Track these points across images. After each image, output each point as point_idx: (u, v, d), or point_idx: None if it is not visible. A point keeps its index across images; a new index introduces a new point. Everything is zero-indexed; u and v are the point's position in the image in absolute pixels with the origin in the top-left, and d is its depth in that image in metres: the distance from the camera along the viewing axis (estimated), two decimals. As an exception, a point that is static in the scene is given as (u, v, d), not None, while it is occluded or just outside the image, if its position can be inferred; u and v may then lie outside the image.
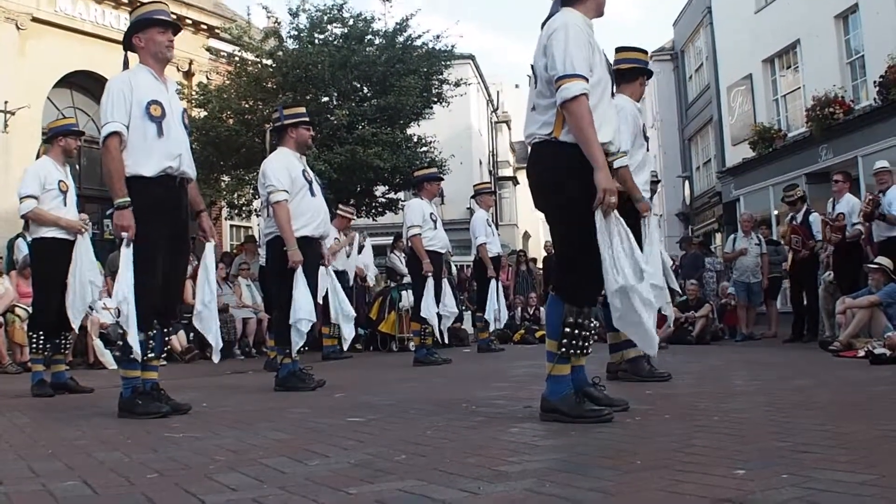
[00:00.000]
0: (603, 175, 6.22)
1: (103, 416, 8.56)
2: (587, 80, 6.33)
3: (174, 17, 9.17)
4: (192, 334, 18.95)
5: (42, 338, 11.84)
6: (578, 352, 6.63)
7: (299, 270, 10.91)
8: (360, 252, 19.50)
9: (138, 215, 8.01)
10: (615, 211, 6.36)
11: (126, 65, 8.83)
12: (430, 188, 16.16)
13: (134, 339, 7.93)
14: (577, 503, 3.89)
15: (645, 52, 7.54)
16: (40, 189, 11.43)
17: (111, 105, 8.23)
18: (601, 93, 6.70)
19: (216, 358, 9.75)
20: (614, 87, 7.40)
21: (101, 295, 17.23)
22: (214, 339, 9.37)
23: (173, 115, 8.51)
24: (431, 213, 15.73)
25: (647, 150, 8.46)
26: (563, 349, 6.55)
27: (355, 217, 21.42)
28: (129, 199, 7.99)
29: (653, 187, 11.53)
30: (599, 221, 6.30)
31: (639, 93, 7.40)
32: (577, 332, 6.49)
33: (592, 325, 6.70)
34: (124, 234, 7.97)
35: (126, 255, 7.98)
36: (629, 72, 7.27)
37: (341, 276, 15.08)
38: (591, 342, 6.75)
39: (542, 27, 6.86)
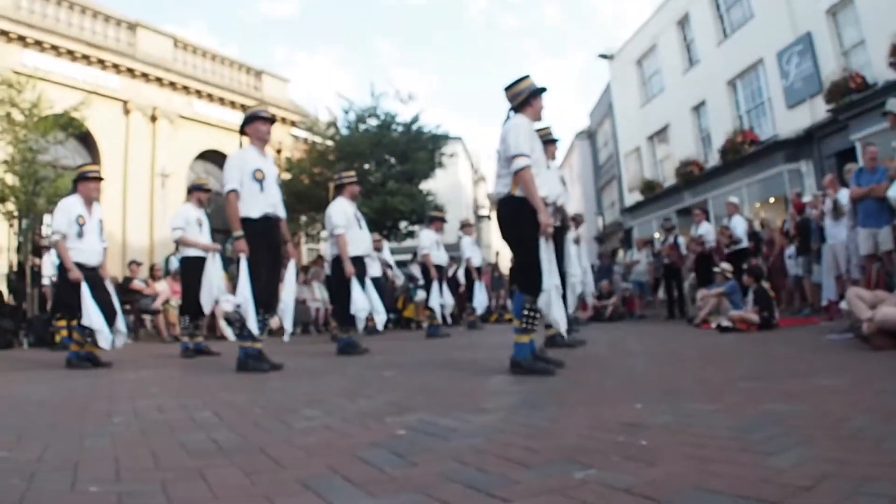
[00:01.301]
0: (543, 216, 6.65)
1: (226, 371, 8.64)
2: (529, 157, 6.78)
3: (271, 114, 9.21)
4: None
5: (187, 319, 12.04)
6: (532, 326, 6.90)
7: (354, 278, 11.08)
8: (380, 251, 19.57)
9: (249, 243, 8.29)
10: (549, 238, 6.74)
11: (240, 145, 8.99)
12: (437, 224, 16.45)
13: (253, 323, 8.30)
14: (533, 427, 3.97)
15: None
16: (184, 224, 11.67)
17: (230, 172, 8.48)
18: (539, 166, 7.04)
19: (286, 338, 9.94)
20: (544, 153, 7.63)
21: (224, 292, 17.29)
22: (288, 325, 9.59)
23: (271, 177, 8.70)
24: (437, 240, 16.11)
25: (548, 168, 8.48)
26: (524, 324, 6.87)
27: (382, 242, 21.58)
28: (242, 232, 8.29)
29: (578, 219, 11.73)
30: (542, 244, 6.69)
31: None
32: (531, 313, 6.83)
33: (538, 310, 6.84)
34: (241, 255, 8.25)
35: (243, 269, 8.26)
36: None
37: (376, 280, 15.16)
38: (537, 321, 6.95)
39: (502, 126, 7.26)
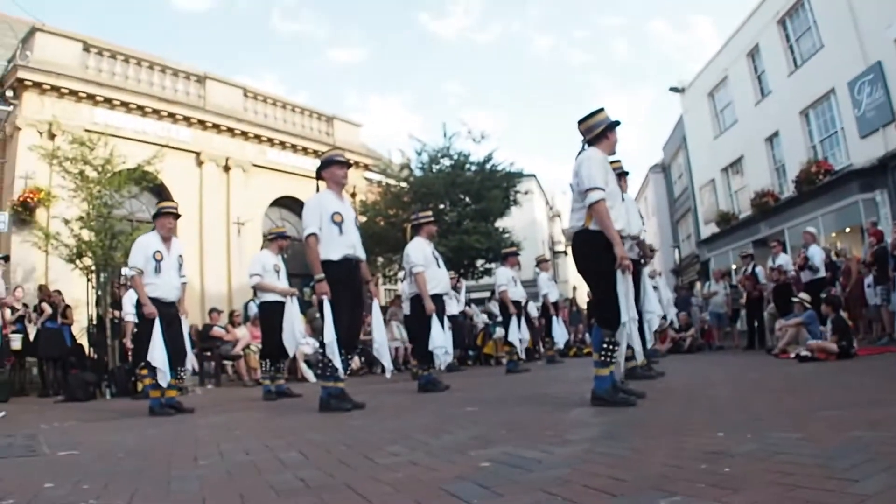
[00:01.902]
0: (619, 249, 6.65)
1: (309, 411, 8.70)
2: (603, 189, 6.79)
3: (347, 158, 9.34)
4: (363, 357, 18.96)
5: (268, 363, 12.13)
6: (611, 359, 6.88)
7: (434, 316, 11.12)
8: (458, 291, 19.57)
9: (330, 285, 8.35)
10: (627, 271, 6.79)
11: (317, 189, 9.02)
12: (512, 260, 16.51)
13: (338, 363, 8.34)
14: (617, 457, 3.99)
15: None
16: (262, 270, 11.83)
17: (309, 216, 8.58)
18: (614, 199, 7.04)
19: (388, 375, 10.24)
20: (620, 185, 7.75)
21: (304, 335, 17.36)
22: (388, 363, 9.84)
23: (349, 220, 8.78)
24: (513, 276, 16.07)
25: (623, 200, 8.49)
26: (603, 357, 6.84)
27: (460, 281, 21.63)
28: (323, 275, 8.36)
29: (651, 252, 11.71)
30: (619, 277, 6.70)
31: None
32: (609, 346, 6.81)
33: (617, 343, 6.85)
34: (324, 297, 8.31)
35: (327, 311, 8.31)
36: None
37: (454, 318, 15.25)
38: (616, 354, 6.95)
39: (575, 159, 7.28)
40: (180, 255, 10.26)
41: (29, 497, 3.82)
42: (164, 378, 9.55)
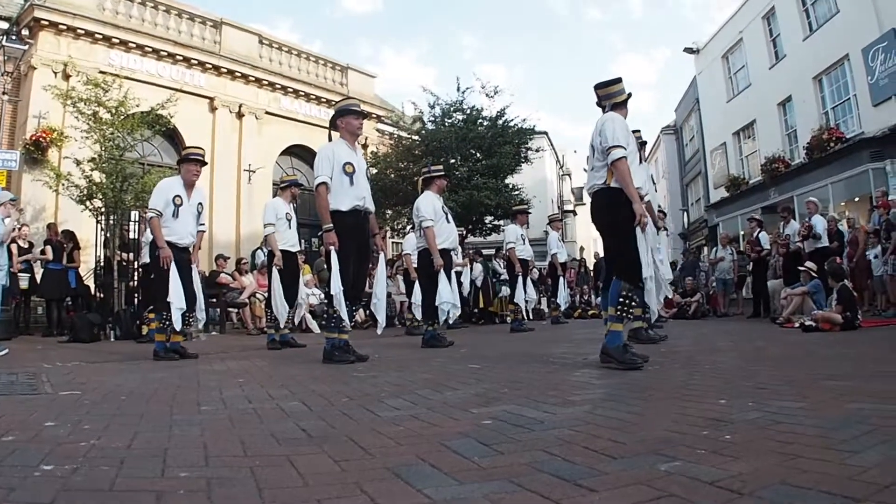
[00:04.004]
0: (638, 206, 6.77)
1: (312, 362, 8.76)
2: (625, 148, 6.86)
3: (363, 108, 9.34)
4: (368, 311, 18.99)
5: (286, 308, 12.06)
6: (628, 313, 7.00)
7: (442, 271, 11.17)
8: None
9: (338, 235, 8.36)
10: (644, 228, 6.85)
11: (330, 138, 9.08)
12: (521, 218, 16.40)
13: (344, 314, 8.43)
14: (619, 421, 3.99)
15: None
16: (275, 219, 11.78)
17: (321, 164, 8.59)
18: (632, 158, 7.14)
19: (380, 331, 9.94)
20: (640, 152, 8.14)
21: (310, 285, 17.39)
22: (382, 319, 9.83)
23: (360, 171, 8.79)
24: (522, 234, 16.01)
25: (640, 163, 8.59)
26: (619, 311, 6.92)
27: (465, 235, 21.72)
28: (332, 225, 8.37)
29: (661, 215, 11.71)
30: (639, 234, 6.78)
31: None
32: (627, 300, 6.89)
33: (634, 297, 6.97)
34: (332, 247, 8.33)
35: (334, 261, 8.35)
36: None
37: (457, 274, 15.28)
38: (633, 309, 7.15)
39: (596, 124, 7.34)
40: (200, 203, 10.30)
41: (30, 435, 3.83)
42: (178, 321, 9.60)
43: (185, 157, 10.22)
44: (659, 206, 11.55)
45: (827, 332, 11.90)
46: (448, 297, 11.26)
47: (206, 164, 10.44)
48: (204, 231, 10.54)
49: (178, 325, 9.63)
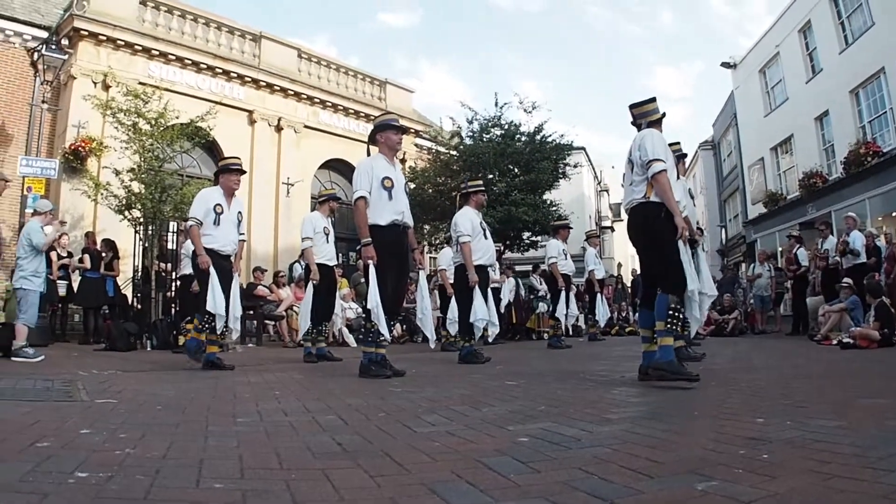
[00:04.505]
0: (679, 219, 6.84)
1: (349, 375, 8.79)
2: (665, 162, 6.91)
3: (402, 124, 9.39)
4: (404, 325, 19.07)
5: (310, 325, 12.01)
6: (676, 326, 6.98)
7: (477, 287, 11.16)
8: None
9: (376, 250, 8.35)
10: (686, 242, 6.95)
11: (368, 153, 9.05)
12: (563, 233, 16.44)
13: (383, 328, 8.38)
14: (656, 439, 3.97)
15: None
16: (313, 233, 11.83)
17: (360, 179, 8.61)
18: (671, 173, 7.16)
19: (432, 345, 10.39)
20: (677, 167, 8.30)
21: (347, 299, 17.45)
22: (430, 334, 9.91)
23: (399, 185, 8.78)
24: (564, 249, 16.09)
25: (678, 178, 8.67)
26: (669, 325, 6.86)
27: (503, 251, 21.86)
28: (370, 239, 8.36)
29: (698, 232, 11.69)
30: (681, 247, 6.86)
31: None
32: (675, 313, 6.86)
33: (682, 311, 7.00)
34: (370, 261, 8.33)
35: (372, 275, 8.34)
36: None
37: (495, 291, 15.31)
38: (680, 321, 7.11)
39: (634, 139, 7.41)
40: (240, 213, 10.44)
41: (65, 441, 3.84)
42: (221, 321, 9.81)
43: (226, 168, 10.37)
44: (697, 223, 11.54)
45: (865, 349, 12.01)
46: (482, 313, 11.23)
47: (245, 172, 10.64)
48: (244, 240, 10.70)
49: (219, 325, 9.84)
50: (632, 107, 7.77)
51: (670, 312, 6.86)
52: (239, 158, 10.84)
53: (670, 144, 7.86)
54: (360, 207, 8.51)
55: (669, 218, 6.87)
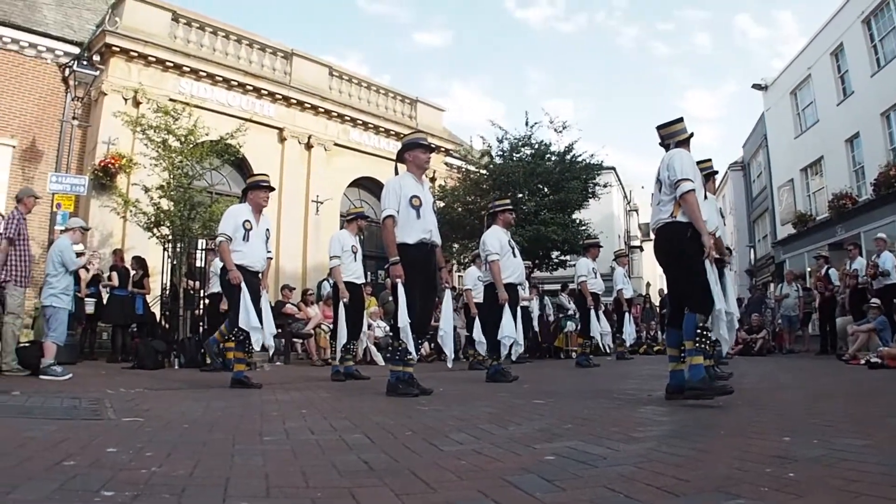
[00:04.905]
0: (707, 238, 6.88)
1: (376, 394, 8.80)
2: (693, 182, 6.96)
3: (431, 143, 9.41)
4: (433, 344, 19.05)
5: (345, 341, 12.02)
6: (705, 345, 7.00)
7: (506, 306, 11.17)
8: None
9: (405, 269, 8.40)
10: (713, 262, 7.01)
11: (396, 171, 9.12)
12: (593, 252, 16.49)
13: (411, 346, 8.48)
14: (682, 457, 3.97)
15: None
16: (341, 252, 11.84)
17: (388, 197, 8.66)
18: (699, 193, 7.21)
19: (450, 365, 10.16)
20: (706, 186, 8.43)
21: (374, 317, 17.46)
22: (450, 353, 9.85)
23: (427, 204, 8.83)
24: (594, 268, 16.19)
25: (706, 197, 8.67)
26: (697, 344, 6.91)
27: (532, 269, 21.87)
28: (398, 258, 8.42)
29: (728, 251, 11.67)
30: (708, 267, 6.90)
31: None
32: (704, 332, 6.93)
33: (710, 330, 7.03)
34: (398, 280, 8.38)
35: (401, 294, 8.39)
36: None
37: (525, 310, 15.35)
38: (710, 343, 7.13)
39: (662, 159, 7.47)
40: (267, 230, 10.52)
41: (91, 460, 3.86)
42: (257, 342, 9.86)
43: (255, 184, 10.43)
44: (726, 245, 11.55)
45: (893, 369, 11.97)
46: (510, 331, 11.24)
47: (273, 189, 10.73)
48: (271, 258, 10.77)
49: (257, 346, 9.93)
50: (659, 128, 7.81)
51: (699, 331, 6.88)
52: (267, 175, 10.92)
53: (701, 162, 7.93)
54: (388, 226, 8.56)
55: (696, 237, 6.90)
